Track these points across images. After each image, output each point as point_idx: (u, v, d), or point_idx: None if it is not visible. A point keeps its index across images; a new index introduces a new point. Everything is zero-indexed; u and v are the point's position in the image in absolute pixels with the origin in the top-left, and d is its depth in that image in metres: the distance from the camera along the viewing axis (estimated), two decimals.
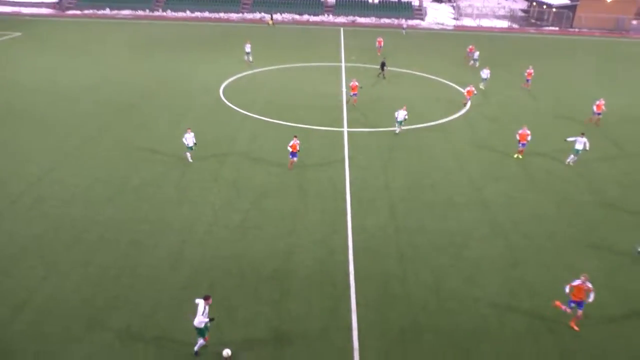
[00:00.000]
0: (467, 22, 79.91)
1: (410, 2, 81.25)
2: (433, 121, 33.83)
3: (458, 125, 33.46)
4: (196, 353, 14.21)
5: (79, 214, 21.20)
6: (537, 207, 23.00)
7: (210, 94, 38.43)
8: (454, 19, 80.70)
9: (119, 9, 75.94)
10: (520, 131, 28.06)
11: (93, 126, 31.25)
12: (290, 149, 25.60)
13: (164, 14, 76.14)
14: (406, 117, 30.56)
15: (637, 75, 49.55)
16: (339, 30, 69.06)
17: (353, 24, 75.51)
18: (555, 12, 78.75)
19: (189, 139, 26.13)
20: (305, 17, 77.42)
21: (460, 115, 35.47)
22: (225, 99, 37.42)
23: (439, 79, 45.01)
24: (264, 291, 16.91)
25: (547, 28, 77.73)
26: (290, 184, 24.40)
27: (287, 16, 76.57)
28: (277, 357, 14.30)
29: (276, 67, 47.48)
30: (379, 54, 52.91)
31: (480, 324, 15.82)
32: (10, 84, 39.46)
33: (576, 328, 15.69)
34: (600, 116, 33.94)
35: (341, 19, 77.12)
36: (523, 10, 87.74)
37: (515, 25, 79.39)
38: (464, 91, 38.27)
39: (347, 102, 36.25)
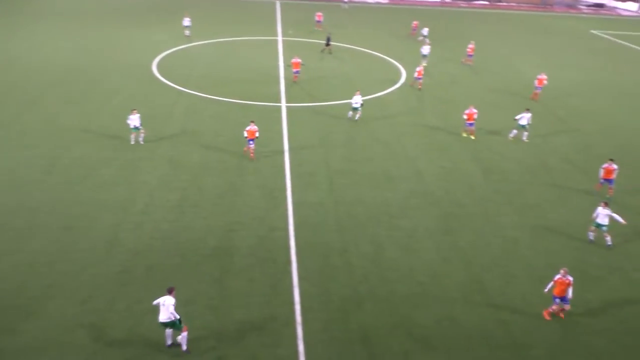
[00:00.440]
0: None
1: None
2: (371, 95, 34.23)
3: (395, 99, 34.07)
4: (187, 350, 13.56)
5: (4, 199, 20.06)
6: (468, 177, 24.00)
7: (143, 69, 37.00)
8: None
9: None
10: (467, 111, 27.80)
11: (15, 103, 29.40)
12: (247, 135, 23.97)
13: None
14: (362, 102, 29.04)
15: (565, 48, 52.06)
16: (275, 3, 67.94)
17: None
18: None
19: (134, 119, 24.78)
20: None
21: (397, 89, 36.10)
22: (159, 74, 36.18)
23: (379, 55, 45.40)
24: (204, 270, 16.81)
25: (477, 2, 79.78)
26: (229, 160, 24.13)
27: None
28: (219, 336, 14.34)
29: (212, 40, 46.25)
30: (319, 28, 52.32)
31: (417, 290, 16.48)
32: None
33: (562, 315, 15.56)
34: (540, 91, 34.96)
35: None
36: None
37: (447, 0, 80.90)
38: (415, 73, 36.03)
39: (296, 81, 35.38)
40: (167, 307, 13.35)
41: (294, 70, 35.27)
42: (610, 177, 22.07)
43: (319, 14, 54.34)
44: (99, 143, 25.14)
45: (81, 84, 33.25)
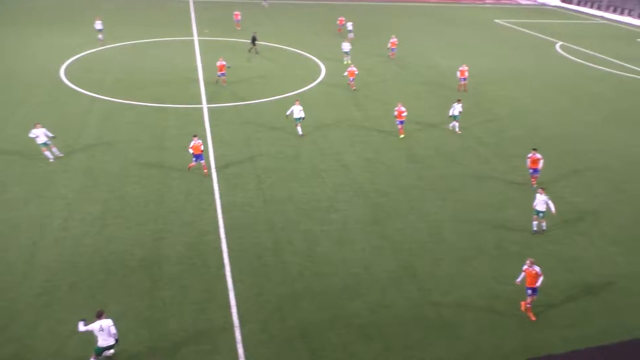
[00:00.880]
0: None
1: None
2: (292, 92, 34.29)
3: (315, 95, 34.34)
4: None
5: None
6: (392, 166, 24.70)
7: (50, 76, 34.83)
8: None
9: None
10: (396, 109, 27.60)
11: None
12: (192, 151, 22.30)
13: None
14: (302, 114, 27.03)
15: (473, 38, 54.70)
16: (188, 3, 66.29)
17: None
18: None
19: (40, 135, 22.86)
20: None
21: (316, 85, 36.41)
22: (69, 80, 34.22)
23: (301, 52, 45.49)
24: (133, 282, 16.16)
25: None
26: (151, 167, 23.31)
27: None
28: (155, 349, 13.87)
29: (125, 43, 44.36)
30: (238, 27, 51.48)
31: (351, 282, 16.77)
32: None
33: (533, 318, 15.40)
34: (466, 81, 36.03)
35: None
36: None
37: None
38: (346, 74, 35.59)
39: (217, 82, 34.53)
40: (106, 331, 12.72)
41: (219, 72, 34.07)
42: (536, 167, 22.62)
43: (237, 13, 53.07)
44: (5, 158, 23.43)
45: None
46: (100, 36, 43.93)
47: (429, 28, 58.39)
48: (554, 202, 19.57)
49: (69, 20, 51.69)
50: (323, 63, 41.27)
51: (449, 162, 25.45)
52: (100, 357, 13.08)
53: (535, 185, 22.60)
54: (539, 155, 22.57)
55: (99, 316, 12.86)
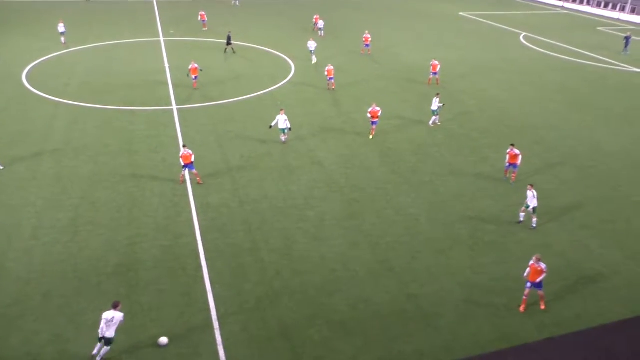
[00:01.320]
0: None
1: None
2: (263, 90, 34.12)
3: (286, 93, 34.24)
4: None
5: None
6: (366, 161, 24.83)
7: (10, 81, 33.81)
8: None
9: None
10: (370, 109, 26.96)
11: None
12: (182, 161, 21.71)
13: None
14: (288, 124, 25.61)
15: (440, 31, 55.32)
16: (152, 3, 65.20)
17: None
18: None
19: None
20: None
21: (287, 83, 36.30)
22: (31, 86, 33.27)
23: (271, 50, 45.21)
24: (108, 289, 15.85)
25: None
26: (122, 171, 22.89)
27: None
28: (134, 355, 13.63)
29: (89, 45, 43.35)
30: (204, 28, 50.62)
31: (330, 278, 16.81)
32: None
33: (522, 309, 15.62)
34: (438, 75, 36.11)
35: None
36: None
37: None
38: (325, 73, 34.66)
39: (195, 87, 33.51)
40: (115, 323, 13.12)
41: (193, 76, 33.16)
42: (515, 162, 22.57)
43: (202, 13, 51.78)
44: None
45: None
46: (63, 39, 42.89)
47: (394, 22, 58.77)
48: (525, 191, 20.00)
49: (29, 24, 50.25)
50: (292, 61, 41.14)
51: (421, 156, 25.72)
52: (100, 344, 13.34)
53: (514, 182, 22.81)
54: (517, 151, 22.45)
55: (115, 307, 13.25)
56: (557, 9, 74.76)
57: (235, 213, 20.16)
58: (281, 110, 25.92)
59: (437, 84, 36.23)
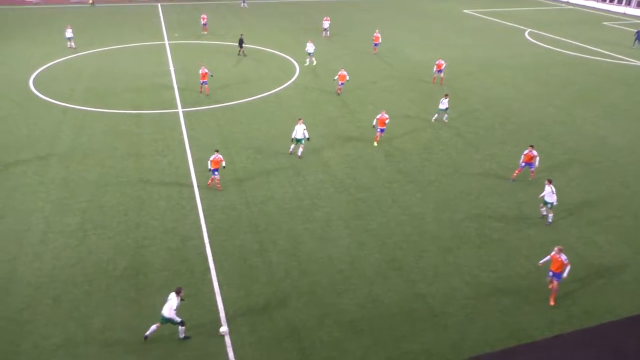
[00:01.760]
0: None
1: None
2: (268, 92, 34.19)
3: (291, 94, 34.29)
4: (186, 337, 14.31)
5: None
6: (371, 161, 24.83)
7: (17, 87, 34.07)
8: None
9: None
10: (378, 116, 26.15)
11: None
12: (211, 165, 21.41)
13: None
14: (306, 134, 24.43)
15: (445, 29, 55.19)
16: (157, 7, 65.49)
17: None
18: None
19: None
20: None
21: (292, 84, 36.35)
22: (38, 91, 33.52)
23: (277, 52, 45.27)
24: (117, 292, 15.98)
25: None
26: (129, 175, 23.03)
27: None
28: (145, 357, 13.74)
29: (95, 50, 43.61)
30: (205, 32, 50.38)
31: (338, 278, 16.85)
32: None
33: (552, 303, 15.71)
34: (442, 74, 35.90)
35: None
36: None
37: None
38: (335, 78, 33.97)
39: (202, 92, 33.14)
40: (169, 305, 13.87)
41: (202, 81, 32.72)
42: (532, 162, 22.47)
43: (204, 16, 51.40)
44: None
45: None
46: (70, 44, 43.20)
47: (399, 21, 58.67)
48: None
49: (35, 30, 50.60)
50: (297, 62, 41.17)
51: (426, 154, 25.69)
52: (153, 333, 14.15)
53: (532, 179, 22.75)
54: (535, 152, 22.33)
55: (178, 293, 14.09)
56: (562, 5, 74.37)
57: (242, 215, 20.24)
58: (299, 119, 24.75)
59: (442, 83, 36.12)
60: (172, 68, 38.81)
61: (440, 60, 36.43)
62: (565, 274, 15.61)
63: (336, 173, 23.59)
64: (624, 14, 66.86)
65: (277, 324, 14.89)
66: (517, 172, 23.10)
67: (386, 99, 33.04)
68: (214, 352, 13.90)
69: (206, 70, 32.89)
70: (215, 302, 15.69)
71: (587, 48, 47.57)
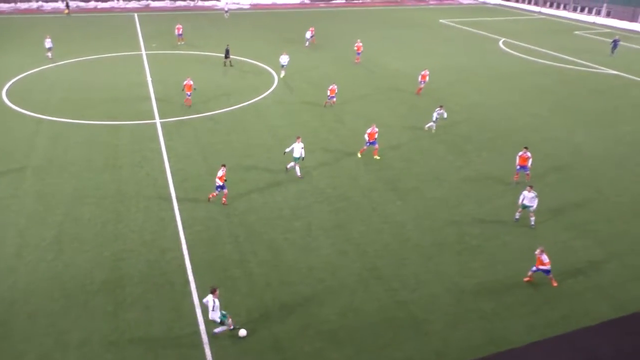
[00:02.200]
0: (262, 0, 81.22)
1: None
2: (246, 102, 34.12)
3: (269, 104, 34.28)
4: (214, 333, 14.69)
5: None
6: (351, 170, 24.92)
7: None
8: None
9: None
10: (369, 130, 25.69)
11: None
12: (219, 181, 21.11)
13: None
14: (303, 153, 23.89)
15: (422, 38, 55.89)
16: (134, 17, 64.99)
17: (147, 8, 71.67)
18: None
19: None
20: (92, 4, 71.25)
21: (270, 94, 36.36)
22: (11, 102, 32.88)
23: (257, 63, 45.23)
24: (95, 306, 15.65)
25: (335, 2, 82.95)
26: (106, 187, 22.67)
27: (72, 4, 69.47)
28: None
29: (70, 60, 43.02)
30: (179, 42, 49.83)
31: (319, 288, 16.79)
32: None
33: (555, 284, 17.02)
34: (423, 85, 36.01)
35: (133, 4, 72.77)
36: None
37: (307, 1, 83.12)
38: (328, 91, 33.27)
39: (187, 104, 32.57)
40: (214, 308, 14.13)
41: (187, 93, 32.31)
42: (525, 164, 23.19)
43: (179, 26, 50.62)
44: None
45: None
46: (49, 54, 42.59)
47: (376, 31, 59.23)
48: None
49: (8, 40, 49.73)
50: (276, 73, 41.20)
51: (405, 162, 25.89)
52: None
53: (528, 180, 23.26)
54: (529, 154, 23.12)
55: (212, 292, 14.20)
56: (535, 15, 76.06)
57: (222, 226, 20.07)
58: (297, 138, 24.03)
59: (418, 93, 36.25)
60: (149, 78, 38.50)
61: (425, 71, 36.36)
62: (544, 267, 16.78)
63: (316, 183, 23.59)
64: (594, 24, 68.68)
65: (259, 335, 14.75)
66: (516, 175, 23.71)
67: (365, 107, 33.24)
68: None
69: (191, 82, 32.43)
70: (196, 314, 15.49)
71: (560, 57, 48.68)
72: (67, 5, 65.47)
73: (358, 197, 22.40)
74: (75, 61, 43.08)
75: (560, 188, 23.55)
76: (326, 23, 63.42)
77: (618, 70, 44.16)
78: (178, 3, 74.40)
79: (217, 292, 14.31)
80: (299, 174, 23.95)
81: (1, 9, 66.18)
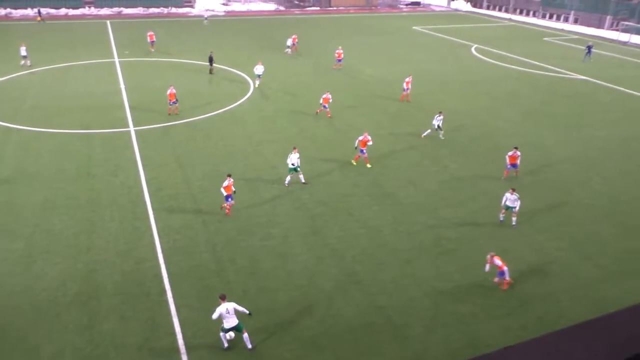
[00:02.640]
0: (236, 7, 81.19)
1: None
2: (223, 109, 33.93)
3: (245, 110, 34.15)
4: (253, 348, 14.39)
5: None
6: (327, 175, 24.95)
7: None
8: (224, 4, 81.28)
9: None
10: (361, 138, 25.51)
11: None
12: (224, 192, 20.75)
13: None
14: (298, 162, 23.44)
15: (395, 45, 56.42)
16: (106, 24, 64.12)
17: (119, 15, 70.82)
18: None
19: None
20: (63, 10, 70.08)
21: (246, 100, 36.23)
22: None
23: (228, 68, 45.02)
24: (68, 319, 15.27)
25: (309, 8, 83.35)
26: (79, 196, 22.22)
27: (42, 10, 68.12)
28: None
29: (41, 68, 42.15)
30: (153, 49, 49.18)
31: (297, 294, 16.72)
32: None
33: (504, 287, 17.11)
34: (408, 92, 36.01)
35: (105, 11, 71.77)
36: None
37: (281, 8, 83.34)
38: (321, 100, 32.51)
39: (170, 113, 31.85)
40: (232, 313, 13.93)
41: (171, 101, 31.62)
42: (515, 162, 24.56)
43: (151, 33, 49.56)
44: None
45: None
46: (24, 62, 41.73)
47: (351, 38, 59.59)
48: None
49: None
50: (251, 79, 41.08)
51: (381, 167, 26.04)
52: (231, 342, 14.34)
53: (517, 175, 24.65)
54: (518, 153, 24.49)
55: (222, 299, 14.05)
56: (505, 22, 77.61)
57: (199, 234, 19.85)
58: (294, 148, 23.66)
59: (402, 99, 36.38)
60: (122, 86, 37.97)
61: (410, 77, 36.18)
62: (507, 276, 16.84)
63: (293, 189, 23.54)
64: (562, 30, 70.42)
65: (238, 344, 14.59)
66: (505, 173, 24.82)
67: (343, 114, 33.34)
68: None
69: (174, 91, 31.81)
70: (173, 324, 15.25)
71: (531, 62, 49.74)
72: (39, 13, 64.17)
73: (335, 203, 22.43)
74: (46, 69, 42.23)
75: (533, 191, 23.97)
76: (301, 30, 63.55)
77: (586, 76, 45.33)
78: (151, 10, 73.67)
79: (226, 297, 14.27)
80: (303, 180, 23.84)
81: None
